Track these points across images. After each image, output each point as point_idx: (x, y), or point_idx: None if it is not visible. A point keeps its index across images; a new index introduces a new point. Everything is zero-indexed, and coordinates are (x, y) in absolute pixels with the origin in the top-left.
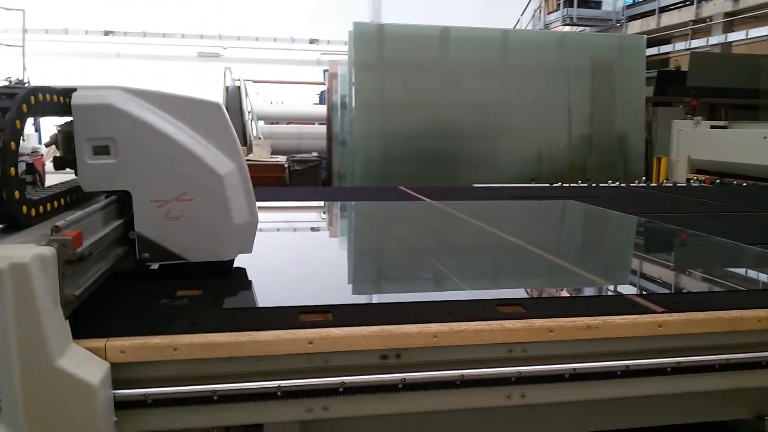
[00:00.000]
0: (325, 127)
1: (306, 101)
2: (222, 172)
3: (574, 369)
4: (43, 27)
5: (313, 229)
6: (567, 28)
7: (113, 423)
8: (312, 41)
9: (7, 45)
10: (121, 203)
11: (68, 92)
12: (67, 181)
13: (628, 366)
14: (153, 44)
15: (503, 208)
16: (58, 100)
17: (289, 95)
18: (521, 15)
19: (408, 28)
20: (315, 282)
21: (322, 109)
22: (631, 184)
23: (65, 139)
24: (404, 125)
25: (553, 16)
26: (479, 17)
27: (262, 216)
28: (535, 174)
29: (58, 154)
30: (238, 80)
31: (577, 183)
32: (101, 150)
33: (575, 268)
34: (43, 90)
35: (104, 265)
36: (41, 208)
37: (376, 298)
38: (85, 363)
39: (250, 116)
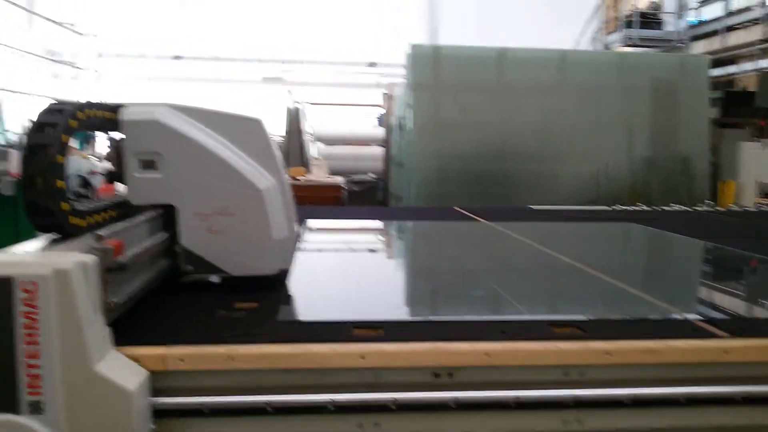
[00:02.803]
0: (381, 148)
1: (365, 123)
2: (262, 187)
3: (635, 395)
4: (117, 52)
5: (368, 247)
6: (628, 49)
7: (150, 431)
8: (371, 64)
9: (79, 68)
10: (167, 217)
11: (117, 108)
12: (117, 195)
13: (692, 393)
14: (220, 68)
15: (560, 229)
16: (106, 116)
17: (349, 117)
18: (580, 36)
19: (464, 50)
20: (369, 299)
21: (379, 131)
22: (696, 208)
23: (117, 155)
24: (460, 146)
25: (613, 37)
26: (537, 39)
27: (319, 234)
28: (593, 196)
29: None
30: (299, 102)
31: (637, 206)
32: (148, 164)
33: (633, 291)
34: (92, 106)
35: (148, 276)
36: (90, 219)
37: (428, 316)
38: (123, 369)
39: (310, 137)
